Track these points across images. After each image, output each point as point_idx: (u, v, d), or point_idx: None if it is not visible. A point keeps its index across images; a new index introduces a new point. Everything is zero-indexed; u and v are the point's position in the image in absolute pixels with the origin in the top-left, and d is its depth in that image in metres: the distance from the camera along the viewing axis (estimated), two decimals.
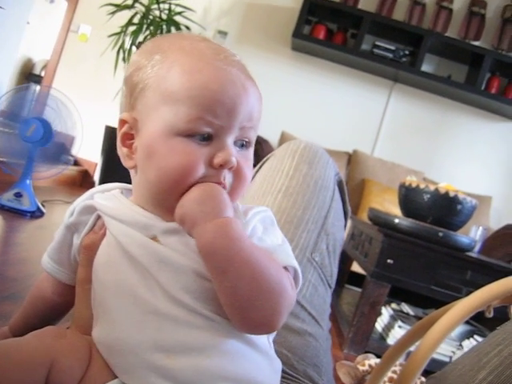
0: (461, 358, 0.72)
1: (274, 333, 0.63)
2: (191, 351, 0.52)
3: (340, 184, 1.03)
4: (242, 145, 0.60)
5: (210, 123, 0.56)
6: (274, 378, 0.58)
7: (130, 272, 0.56)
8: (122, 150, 0.62)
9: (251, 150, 0.62)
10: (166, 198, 0.57)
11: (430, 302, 2.47)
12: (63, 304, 0.69)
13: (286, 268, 0.57)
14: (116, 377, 0.53)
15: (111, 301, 0.56)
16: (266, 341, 0.59)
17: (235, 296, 0.51)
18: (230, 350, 0.53)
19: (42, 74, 5.30)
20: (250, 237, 0.58)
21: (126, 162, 0.62)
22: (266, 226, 0.62)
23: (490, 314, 0.73)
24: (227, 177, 0.58)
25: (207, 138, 0.56)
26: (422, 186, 2.14)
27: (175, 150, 0.56)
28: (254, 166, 1.01)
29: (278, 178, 0.97)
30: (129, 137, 0.61)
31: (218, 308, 0.54)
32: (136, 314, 0.54)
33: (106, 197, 0.63)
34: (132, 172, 0.63)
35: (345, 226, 1.06)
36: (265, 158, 1.05)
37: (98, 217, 0.62)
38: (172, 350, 0.52)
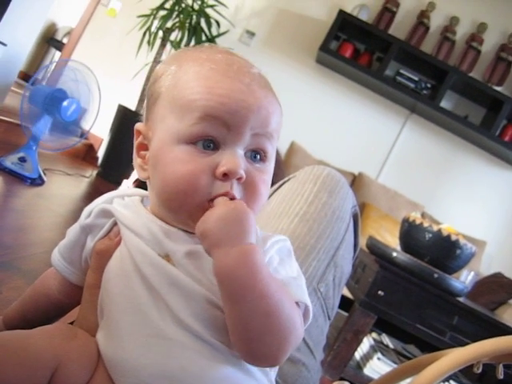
0: None
1: (277, 368, 0.61)
2: (191, 379, 0.50)
3: (355, 216, 1.03)
4: (256, 157, 0.57)
5: (212, 126, 0.53)
6: None
7: (141, 289, 0.54)
8: (136, 161, 0.61)
9: (269, 164, 0.59)
10: (176, 212, 0.55)
11: (408, 336, 2.46)
12: (67, 304, 0.67)
13: (297, 303, 0.55)
14: None
15: (119, 315, 0.54)
16: (263, 373, 0.57)
17: (245, 327, 0.49)
18: (229, 378, 0.52)
19: (64, 40, 5.27)
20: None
21: (140, 173, 0.61)
22: (283, 256, 0.60)
23: (478, 370, 0.72)
24: (237, 190, 0.54)
25: (213, 147, 0.54)
26: (426, 224, 2.14)
27: (177, 158, 0.54)
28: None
29: (297, 202, 0.96)
30: (143, 147, 0.61)
31: (227, 337, 0.52)
32: (143, 334, 0.52)
33: (125, 203, 0.62)
34: (148, 183, 0.61)
35: (353, 258, 1.05)
36: (286, 178, 1.04)
37: (115, 223, 0.60)
38: (175, 377, 0.50)
